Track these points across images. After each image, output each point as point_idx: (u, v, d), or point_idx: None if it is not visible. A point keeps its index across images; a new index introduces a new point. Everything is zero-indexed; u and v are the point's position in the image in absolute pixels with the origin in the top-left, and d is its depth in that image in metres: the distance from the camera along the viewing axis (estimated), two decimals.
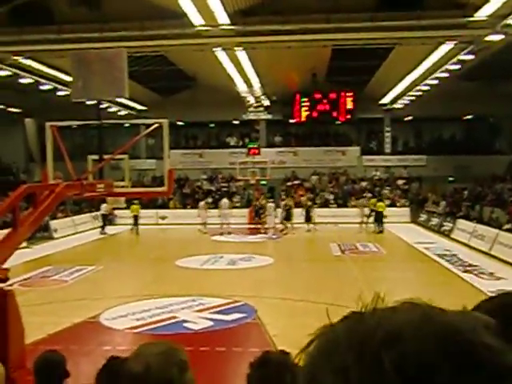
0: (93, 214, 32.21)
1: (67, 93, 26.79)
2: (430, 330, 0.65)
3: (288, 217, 30.18)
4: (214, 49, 22.69)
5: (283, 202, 31.18)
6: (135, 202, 29.89)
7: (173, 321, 12.15)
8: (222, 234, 29.06)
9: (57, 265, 19.79)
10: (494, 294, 1.11)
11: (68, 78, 24.64)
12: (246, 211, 34.37)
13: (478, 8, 17.86)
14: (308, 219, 30.11)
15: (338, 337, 0.69)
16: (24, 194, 7.73)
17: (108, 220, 31.33)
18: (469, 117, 38.61)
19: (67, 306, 13.95)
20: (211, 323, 11.93)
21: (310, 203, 30.99)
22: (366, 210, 30.27)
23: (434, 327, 0.66)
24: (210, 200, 35.97)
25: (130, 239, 29.56)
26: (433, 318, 0.67)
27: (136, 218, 30.31)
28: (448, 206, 32.03)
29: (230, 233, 29.31)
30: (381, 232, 28.34)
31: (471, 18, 18.33)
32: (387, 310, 0.71)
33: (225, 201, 31.60)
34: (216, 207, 32.52)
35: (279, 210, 30.52)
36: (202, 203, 31.77)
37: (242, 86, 31.31)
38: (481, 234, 22.96)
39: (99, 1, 18.80)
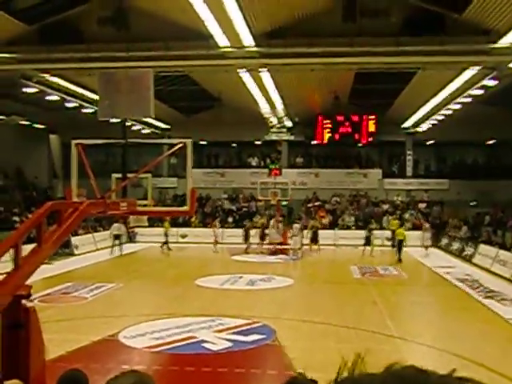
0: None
1: (92, 110, 27.17)
2: None
3: (315, 238, 30.34)
4: (239, 70, 22.86)
5: (310, 223, 31.26)
6: (167, 219, 30.54)
7: (192, 341, 12.10)
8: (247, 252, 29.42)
9: (77, 281, 19.86)
10: None
11: (93, 96, 25.05)
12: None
13: (502, 35, 17.83)
14: (315, 240, 30.37)
15: None
16: (49, 211, 7.78)
17: (123, 238, 31.00)
18: (491, 142, 38.34)
19: (86, 323, 14.00)
20: (230, 344, 11.86)
21: (318, 225, 31.14)
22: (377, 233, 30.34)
23: None
24: (230, 219, 36.26)
25: (149, 257, 29.67)
26: None
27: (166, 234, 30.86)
28: (469, 230, 31.72)
29: (247, 252, 29.38)
30: (400, 261, 26.23)
31: (495, 45, 18.27)
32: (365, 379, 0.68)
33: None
34: (236, 227, 32.54)
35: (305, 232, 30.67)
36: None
37: (264, 107, 31.42)
38: (503, 259, 22.66)
39: (127, 21, 19.07)
